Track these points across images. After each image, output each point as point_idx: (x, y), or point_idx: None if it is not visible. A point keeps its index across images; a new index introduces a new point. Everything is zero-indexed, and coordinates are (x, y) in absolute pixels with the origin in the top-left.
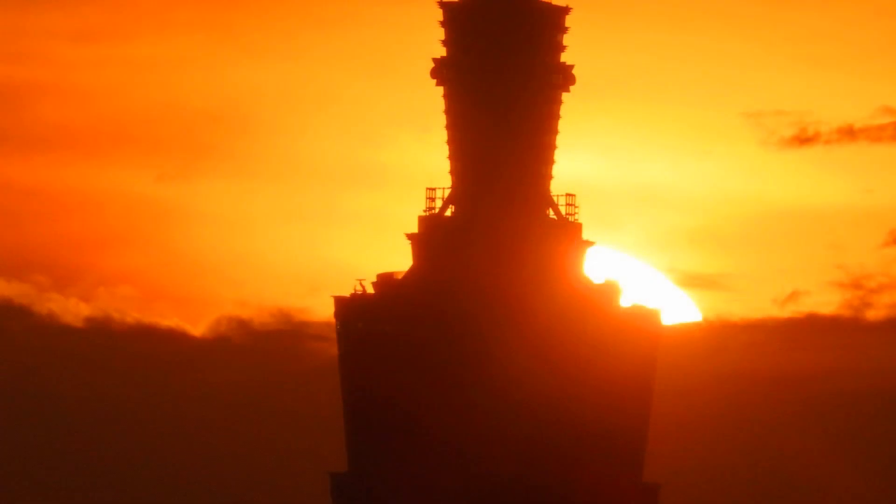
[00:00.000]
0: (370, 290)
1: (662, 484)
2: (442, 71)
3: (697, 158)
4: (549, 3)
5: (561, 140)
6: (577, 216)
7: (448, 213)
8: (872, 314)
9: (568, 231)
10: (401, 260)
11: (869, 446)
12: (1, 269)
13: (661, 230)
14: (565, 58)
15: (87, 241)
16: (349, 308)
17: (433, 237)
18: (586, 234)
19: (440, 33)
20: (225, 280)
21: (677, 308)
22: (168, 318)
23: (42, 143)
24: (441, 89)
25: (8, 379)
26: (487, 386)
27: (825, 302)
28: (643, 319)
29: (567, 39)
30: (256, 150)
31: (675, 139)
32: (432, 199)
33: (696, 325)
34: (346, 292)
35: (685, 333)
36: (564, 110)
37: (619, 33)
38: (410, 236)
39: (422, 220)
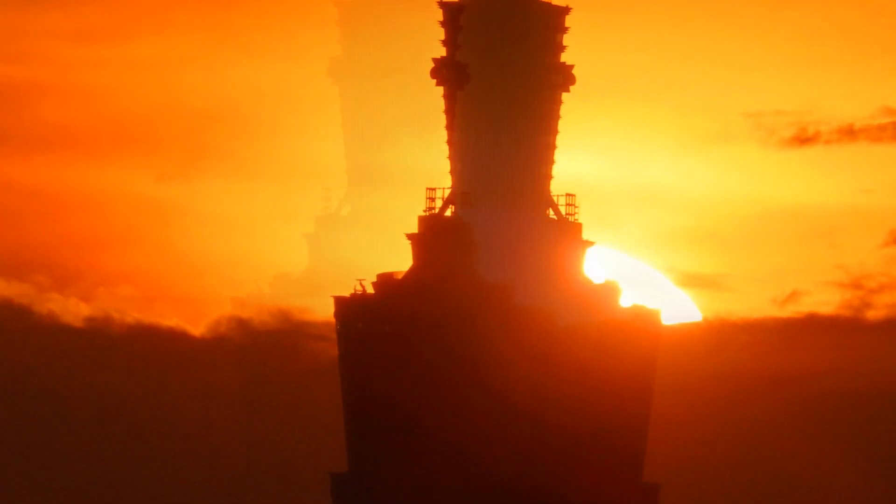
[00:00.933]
0: (370, 290)
1: (662, 484)
2: (442, 71)
3: (697, 158)
4: (549, 3)
5: (561, 140)
6: (577, 216)
7: (448, 213)
8: (872, 314)
9: (568, 231)
10: (401, 260)
11: (869, 446)
12: (1, 269)
13: (661, 230)
14: (565, 58)
15: (87, 241)
16: (349, 308)
17: (433, 237)
18: (586, 234)
19: (440, 33)
20: (225, 280)
21: (677, 308)
22: (168, 318)
23: (42, 143)
24: (441, 89)
25: (8, 379)
26: (487, 386)
27: (825, 302)
28: (643, 319)
29: (567, 39)
30: (256, 150)
31: (675, 139)
32: (432, 199)
33: (696, 325)
34: (346, 292)
35: (685, 333)
36: (564, 110)
37: (619, 33)
38: (410, 236)
39: (422, 220)
